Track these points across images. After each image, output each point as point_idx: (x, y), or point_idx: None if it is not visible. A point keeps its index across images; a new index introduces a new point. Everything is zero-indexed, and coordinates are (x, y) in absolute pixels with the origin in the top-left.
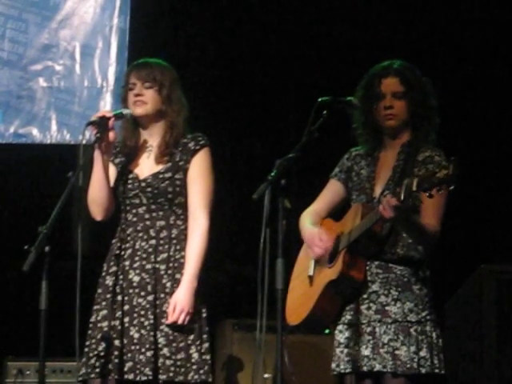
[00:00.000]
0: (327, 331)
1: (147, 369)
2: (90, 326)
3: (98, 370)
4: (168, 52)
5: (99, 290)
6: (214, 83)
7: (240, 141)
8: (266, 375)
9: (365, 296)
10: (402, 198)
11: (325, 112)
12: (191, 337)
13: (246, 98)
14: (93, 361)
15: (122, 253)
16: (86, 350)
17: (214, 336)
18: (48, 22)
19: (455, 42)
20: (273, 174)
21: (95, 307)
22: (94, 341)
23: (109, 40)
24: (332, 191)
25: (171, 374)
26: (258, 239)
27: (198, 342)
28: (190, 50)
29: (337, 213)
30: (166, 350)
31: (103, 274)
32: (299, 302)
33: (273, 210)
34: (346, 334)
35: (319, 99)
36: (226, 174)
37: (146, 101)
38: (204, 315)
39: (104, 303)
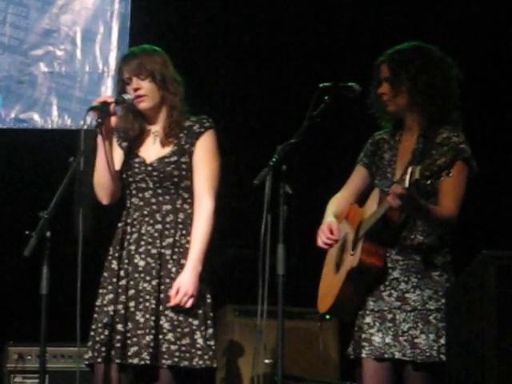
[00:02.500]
0: (327, 317)
1: (145, 353)
2: (96, 309)
3: (103, 354)
4: (169, 37)
5: (105, 274)
6: (216, 67)
7: (241, 126)
8: (266, 361)
9: (386, 283)
10: (407, 185)
11: (326, 97)
12: (196, 322)
13: (247, 82)
14: (98, 345)
15: (128, 237)
16: (92, 333)
17: (215, 321)
18: (49, 6)
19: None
20: (274, 159)
21: (101, 291)
22: (100, 325)
23: (110, 25)
24: (358, 177)
25: (176, 359)
26: (259, 225)
27: (202, 328)
28: (192, 35)
29: (366, 198)
30: (170, 336)
31: (109, 257)
32: (327, 289)
33: (274, 195)
34: (367, 319)
35: (321, 84)
36: (227, 159)
37: (145, 93)
38: (208, 301)
39: (110, 287)
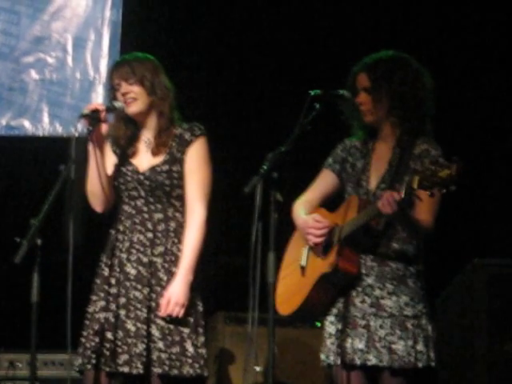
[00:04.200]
0: (318, 324)
1: (139, 363)
2: (88, 316)
3: (93, 361)
4: (160, 45)
5: (97, 281)
6: (207, 75)
7: (231, 133)
8: (257, 368)
9: (359, 289)
10: (404, 195)
11: (317, 105)
12: (186, 330)
13: (238, 91)
14: (89, 352)
15: (120, 245)
16: (83, 340)
17: (206, 329)
18: (40, 14)
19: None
20: (264, 167)
21: (93, 297)
22: (91, 331)
23: (101, 33)
24: (325, 181)
25: (166, 368)
26: (250, 232)
27: (193, 336)
28: (183, 42)
29: (328, 203)
30: (160, 344)
31: (101, 264)
32: (291, 292)
33: (264, 203)
34: (338, 326)
35: (311, 92)
36: (217, 166)
37: (135, 97)
38: (200, 309)
39: (102, 294)
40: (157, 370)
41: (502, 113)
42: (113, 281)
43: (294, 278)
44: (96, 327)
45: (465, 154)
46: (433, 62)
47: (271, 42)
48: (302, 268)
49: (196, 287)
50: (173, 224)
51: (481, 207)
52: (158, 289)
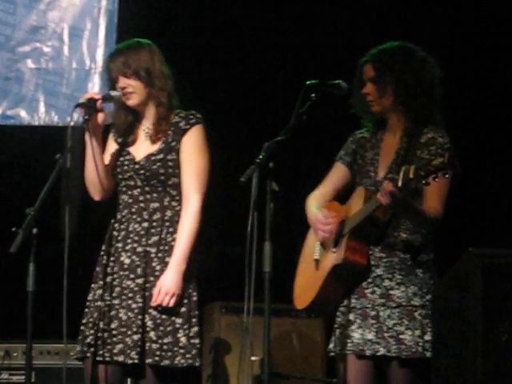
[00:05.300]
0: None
1: (133, 352)
2: (87, 304)
3: (92, 349)
4: (157, 34)
5: (97, 269)
6: (203, 65)
7: (227, 123)
8: (253, 358)
9: (369, 280)
10: (400, 184)
11: (313, 95)
12: (179, 320)
13: (235, 79)
14: (88, 340)
15: (117, 234)
16: (82, 328)
17: (202, 319)
18: (36, 3)
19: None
20: (261, 156)
21: (93, 285)
22: (90, 319)
23: (97, 22)
24: (337, 174)
25: (157, 358)
26: (246, 222)
27: (186, 326)
28: (179, 32)
29: (344, 195)
30: (152, 334)
31: (101, 253)
32: (306, 285)
33: (261, 192)
34: (348, 316)
35: (307, 82)
36: (214, 155)
37: (132, 91)
38: (194, 299)
39: (101, 282)
40: (148, 360)
41: (503, 102)
42: (109, 270)
43: (308, 271)
44: (95, 315)
45: (462, 143)
46: (440, 54)
47: (270, 30)
48: (316, 261)
49: (190, 277)
50: (168, 213)
51: (477, 197)
52: (152, 279)
